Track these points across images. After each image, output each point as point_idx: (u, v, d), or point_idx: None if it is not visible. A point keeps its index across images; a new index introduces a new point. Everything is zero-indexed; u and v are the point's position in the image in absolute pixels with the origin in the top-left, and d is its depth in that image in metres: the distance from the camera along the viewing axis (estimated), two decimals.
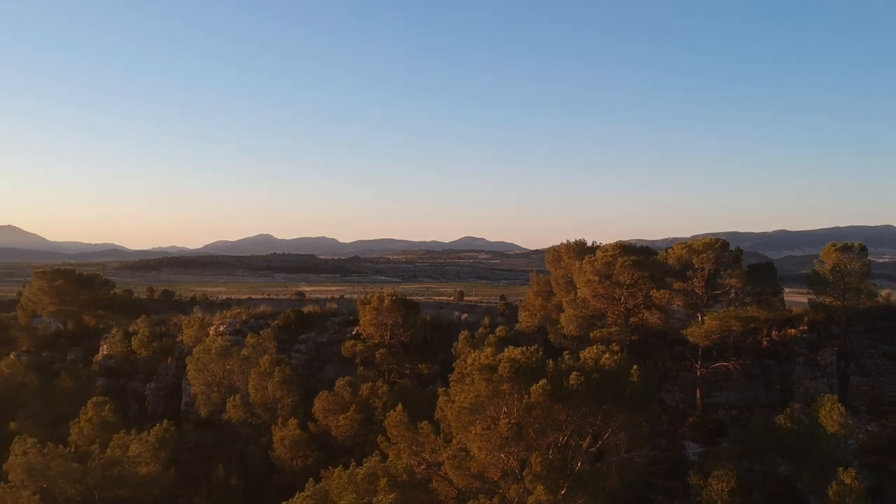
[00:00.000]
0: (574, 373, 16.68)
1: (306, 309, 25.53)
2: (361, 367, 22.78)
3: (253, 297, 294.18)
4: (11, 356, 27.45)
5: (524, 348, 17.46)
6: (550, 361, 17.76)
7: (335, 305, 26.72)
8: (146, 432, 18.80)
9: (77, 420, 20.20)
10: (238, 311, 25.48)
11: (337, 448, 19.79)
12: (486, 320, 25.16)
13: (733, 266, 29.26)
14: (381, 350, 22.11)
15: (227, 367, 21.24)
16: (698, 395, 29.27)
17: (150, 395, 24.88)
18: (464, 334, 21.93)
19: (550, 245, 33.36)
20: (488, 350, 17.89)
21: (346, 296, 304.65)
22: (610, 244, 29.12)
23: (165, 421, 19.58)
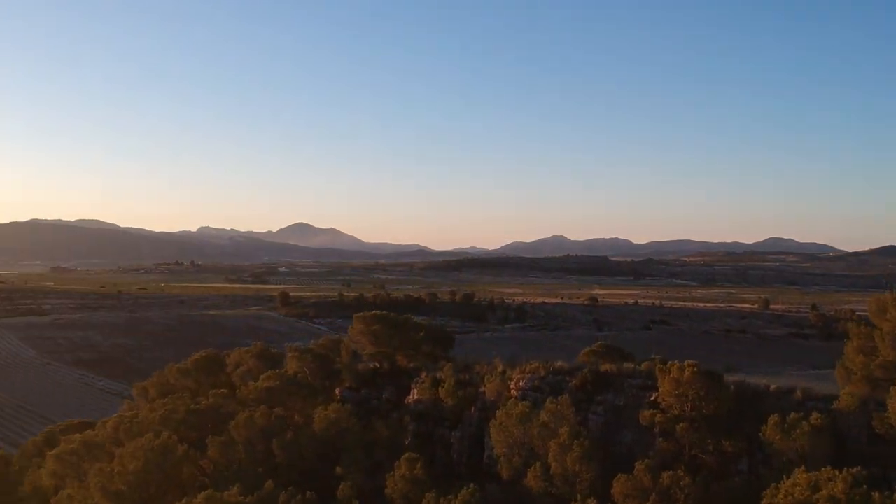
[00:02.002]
0: None
1: (603, 367, 25.37)
2: (661, 439, 22.21)
3: (547, 300, 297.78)
4: (336, 392, 30.46)
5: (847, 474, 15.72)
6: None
7: (632, 365, 26.21)
8: (453, 495, 20.05)
9: (392, 473, 22.08)
10: (536, 365, 26.07)
11: None
12: (799, 393, 23.13)
13: None
14: (681, 424, 21.42)
15: (528, 431, 21.96)
16: None
17: (456, 443, 26.46)
18: (773, 420, 20.41)
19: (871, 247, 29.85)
20: (801, 477, 16.42)
21: (639, 301, 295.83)
22: None
23: (472, 485, 20.67)
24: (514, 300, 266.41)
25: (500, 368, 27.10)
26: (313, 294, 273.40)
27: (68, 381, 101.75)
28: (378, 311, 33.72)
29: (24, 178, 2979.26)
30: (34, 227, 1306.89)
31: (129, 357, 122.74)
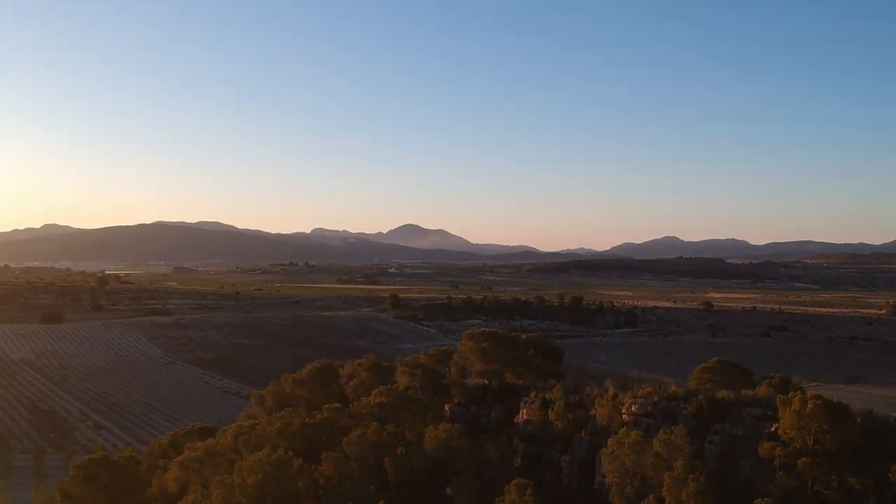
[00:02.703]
0: None
1: (720, 394, 24.59)
2: (781, 473, 21.31)
3: (659, 304, 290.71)
4: (446, 408, 30.74)
5: None
6: None
7: (750, 392, 25.28)
8: None
9: (502, 498, 22.11)
10: (649, 390, 25.52)
11: None
12: None
13: None
14: (804, 458, 20.48)
15: (641, 461, 21.55)
16: None
17: (566, 467, 26.25)
18: None
19: None
20: None
21: (757, 306, 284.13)
22: None
23: None
24: (624, 304, 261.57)
25: (611, 392, 26.68)
26: (422, 295, 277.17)
27: (190, 380, 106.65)
28: (487, 329, 33.95)
29: (150, 183, 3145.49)
30: (159, 229, 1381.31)
31: (247, 356, 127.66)
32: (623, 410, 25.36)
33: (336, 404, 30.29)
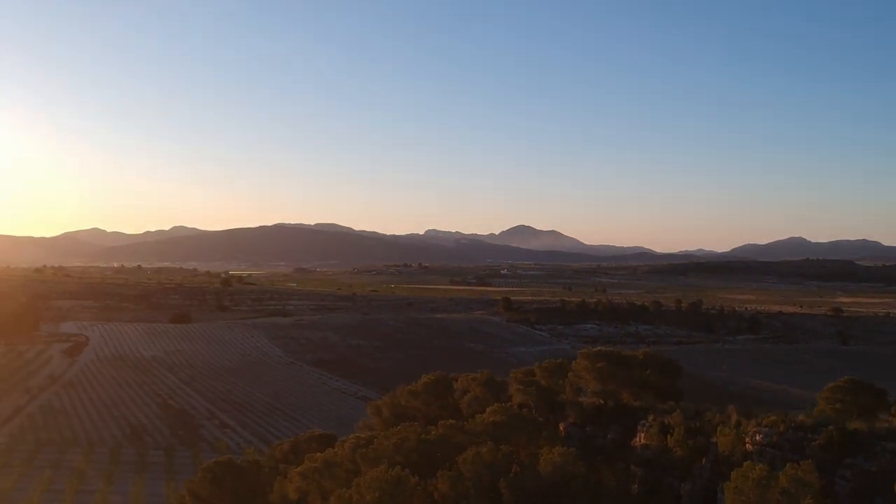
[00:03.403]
0: None
1: (852, 425, 23.38)
2: None
3: (783, 309, 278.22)
4: (561, 427, 30.53)
5: None
6: None
7: (886, 422, 23.91)
8: None
9: None
10: (774, 419, 24.52)
11: None
12: None
13: None
14: None
15: (766, 497, 20.69)
16: None
17: (686, 496, 25.54)
18: None
19: None
20: None
21: (892, 312, 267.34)
22: None
23: None
24: (746, 308, 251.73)
25: (733, 419, 25.75)
26: (534, 298, 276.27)
27: (309, 381, 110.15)
28: (602, 348, 33.48)
29: (272, 187, 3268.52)
30: (279, 230, 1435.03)
31: (362, 358, 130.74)
32: (747, 440, 24.47)
33: (451, 420, 30.57)
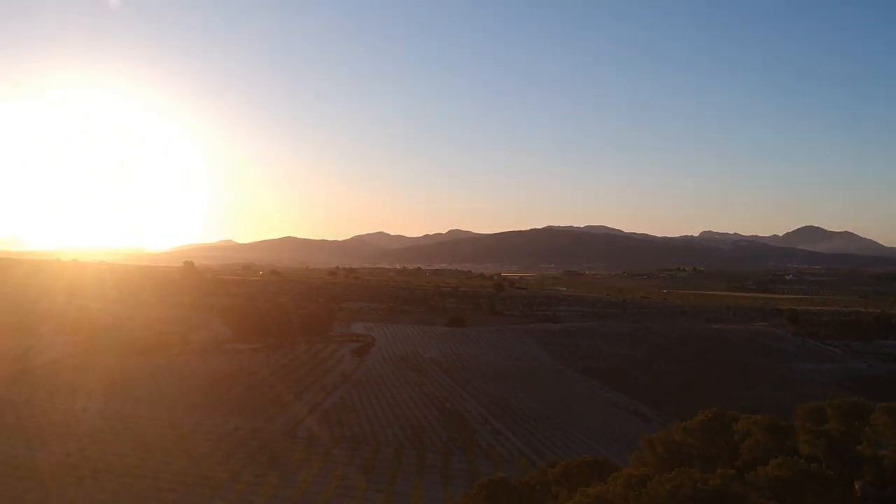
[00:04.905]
0: None
1: None
2: None
3: None
4: (856, 486, 27.64)
5: None
6: None
7: None
8: None
9: None
10: None
11: None
12: None
13: None
14: None
15: None
16: None
17: None
18: None
19: None
20: None
21: None
22: None
23: None
24: None
25: None
26: (824, 308, 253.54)
27: (579, 390, 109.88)
28: None
29: (542, 191, 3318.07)
30: (549, 233, 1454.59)
31: (633, 369, 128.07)
32: None
33: (730, 470, 28.66)
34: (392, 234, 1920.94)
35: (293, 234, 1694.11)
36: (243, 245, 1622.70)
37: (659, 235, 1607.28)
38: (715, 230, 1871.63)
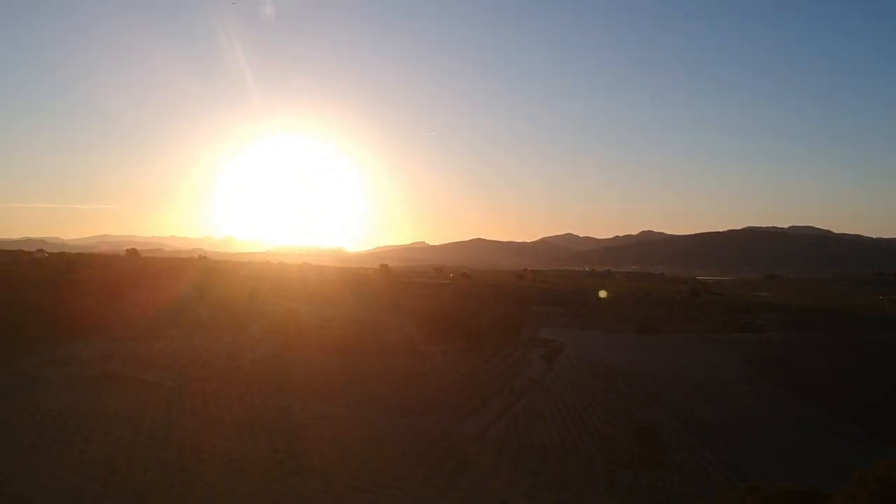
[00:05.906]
0: None
1: None
2: None
3: None
4: None
5: None
6: None
7: None
8: None
9: None
10: None
11: None
12: None
13: None
14: None
15: None
16: None
17: None
18: None
19: None
20: None
21: None
22: None
23: None
24: None
25: None
26: None
27: (777, 406, 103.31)
28: None
29: (741, 189, 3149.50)
30: (749, 234, 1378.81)
31: (839, 386, 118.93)
32: None
33: None
34: (581, 235, 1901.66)
35: (482, 236, 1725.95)
36: (434, 247, 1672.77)
37: (874, 236, 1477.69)
38: None
